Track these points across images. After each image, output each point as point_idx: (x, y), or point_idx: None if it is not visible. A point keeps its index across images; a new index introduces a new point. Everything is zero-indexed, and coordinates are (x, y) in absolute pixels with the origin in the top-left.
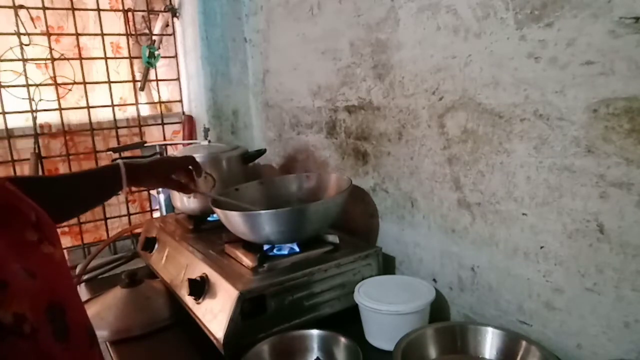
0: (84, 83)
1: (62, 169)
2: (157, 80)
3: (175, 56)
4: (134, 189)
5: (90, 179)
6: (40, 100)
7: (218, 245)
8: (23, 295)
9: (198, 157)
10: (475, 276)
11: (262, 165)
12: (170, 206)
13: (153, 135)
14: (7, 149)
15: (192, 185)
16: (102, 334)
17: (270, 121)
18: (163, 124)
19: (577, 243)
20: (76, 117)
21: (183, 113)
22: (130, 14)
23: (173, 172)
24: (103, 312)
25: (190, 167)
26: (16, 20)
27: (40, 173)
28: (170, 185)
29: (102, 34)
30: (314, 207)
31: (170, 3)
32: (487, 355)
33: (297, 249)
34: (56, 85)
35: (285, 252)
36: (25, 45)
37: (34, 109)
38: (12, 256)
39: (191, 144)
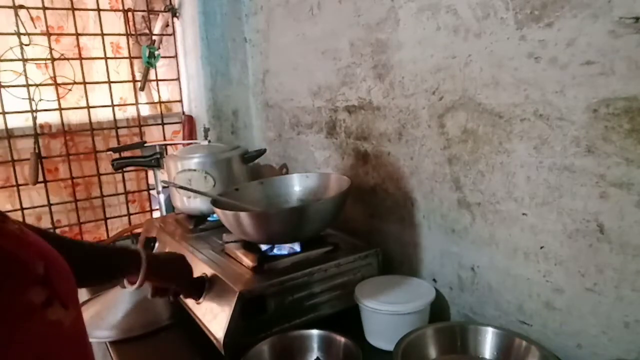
0: (84, 83)
1: (62, 168)
2: (157, 80)
3: (175, 56)
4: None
5: (110, 254)
6: (40, 100)
7: (218, 245)
8: None
9: (198, 157)
10: (475, 276)
11: (262, 165)
12: (170, 206)
13: (153, 135)
14: (7, 149)
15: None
16: (102, 334)
17: (270, 121)
18: (163, 124)
19: (577, 243)
20: (76, 117)
21: (183, 113)
22: (130, 14)
23: (188, 282)
24: (103, 312)
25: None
26: (16, 20)
27: (40, 173)
28: (182, 289)
29: (102, 34)
30: (314, 207)
31: (170, 3)
32: (487, 355)
33: (297, 249)
34: (56, 85)
35: (285, 252)
36: (25, 45)
37: (34, 109)
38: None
39: (191, 144)
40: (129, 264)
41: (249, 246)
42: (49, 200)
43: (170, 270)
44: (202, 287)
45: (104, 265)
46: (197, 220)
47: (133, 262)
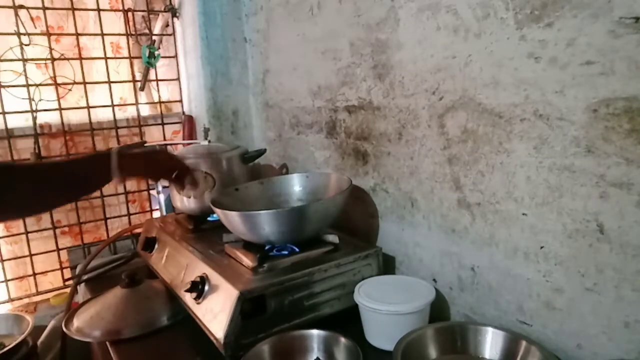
0: (84, 83)
1: None
2: (157, 80)
3: (175, 56)
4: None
5: (74, 169)
6: (40, 100)
7: (218, 245)
8: None
9: (198, 157)
10: (475, 276)
11: (262, 165)
12: (170, 206)
13: (153, 136)
14: (7, 149)
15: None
16: (102, 334)
17: (270, 121)
18: (163, 124)
19: (577, 243)
20: (76, 117)
21: (183, 113)
22: (130, 14)
23: (170, 172)
24: (103, 312)
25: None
26: (16, 20)
27: None
28: (167, 179)
29: (102, 34)
30: (314, 207)
31: (170, 3)
32: (487, 355)
33: (297, 249)
34: (56, 85)
35: (285, 252)
36: (25, 45)
37: (34, 109)
38: None
39: (191, 144)
40: (99, 167)
41: (249, 246)
42: None
43: (144, 161)
44: (202, 286)
45: (72, 179)
46: (197, 220)
47: (102, 163)
